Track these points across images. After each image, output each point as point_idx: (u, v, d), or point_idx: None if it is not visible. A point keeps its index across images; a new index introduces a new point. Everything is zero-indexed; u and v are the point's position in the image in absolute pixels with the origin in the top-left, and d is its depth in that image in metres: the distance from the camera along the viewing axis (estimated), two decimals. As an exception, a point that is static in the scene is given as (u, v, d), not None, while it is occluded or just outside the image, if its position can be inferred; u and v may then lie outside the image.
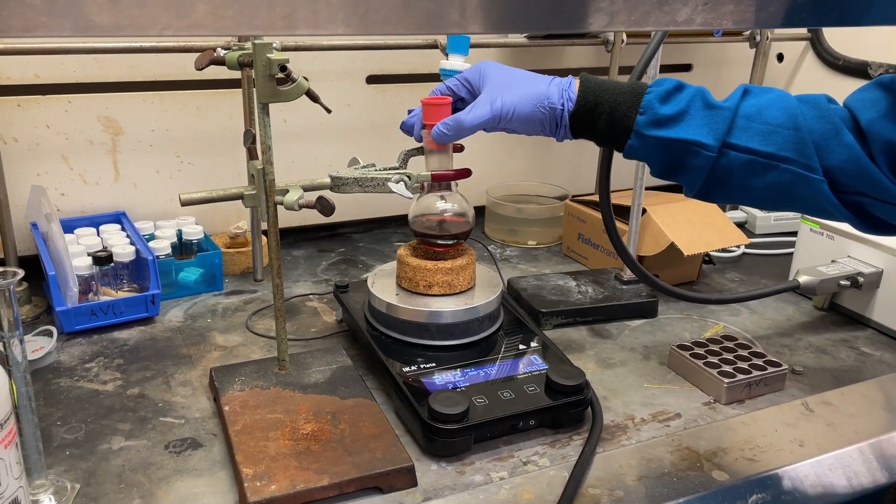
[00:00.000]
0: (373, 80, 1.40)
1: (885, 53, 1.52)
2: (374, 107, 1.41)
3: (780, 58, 1.75)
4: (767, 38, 1.59)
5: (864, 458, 0.85)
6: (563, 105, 0.77)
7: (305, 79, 0.79)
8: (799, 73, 1.72)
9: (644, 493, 0.76)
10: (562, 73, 0.82)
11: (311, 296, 1.23)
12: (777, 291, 1.16)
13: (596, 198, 1.31)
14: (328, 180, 0.88)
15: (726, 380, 0.93)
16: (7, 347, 0.66)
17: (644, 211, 1.20)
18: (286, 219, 1.28)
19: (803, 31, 1.66)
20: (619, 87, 0.75)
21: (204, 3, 0.34)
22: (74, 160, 1.22)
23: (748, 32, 1.58)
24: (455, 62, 1.14)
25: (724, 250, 1.42)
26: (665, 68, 1.53)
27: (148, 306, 1.10)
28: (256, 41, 0.77)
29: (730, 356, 0.99)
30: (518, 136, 0.83)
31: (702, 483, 0.78)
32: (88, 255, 1.09)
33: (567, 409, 0.86)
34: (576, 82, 0.78)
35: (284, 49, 1.19)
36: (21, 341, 0.67)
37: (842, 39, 1.61)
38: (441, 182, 0.91)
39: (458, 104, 0.86)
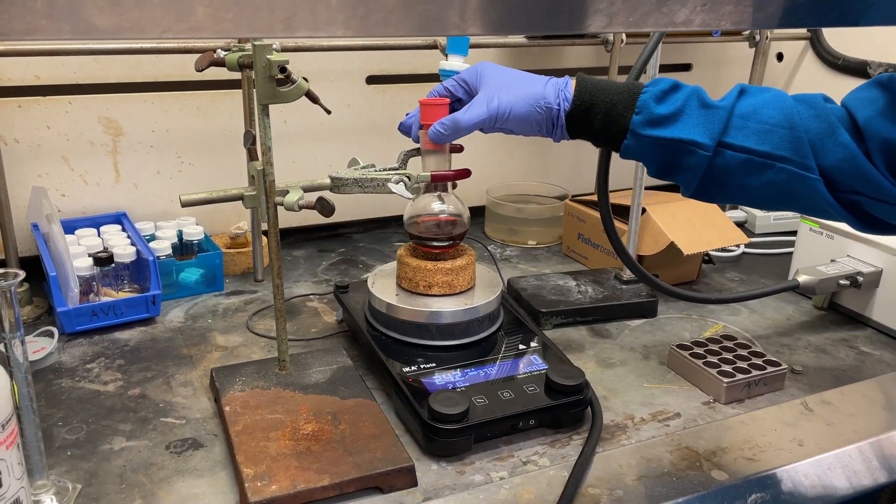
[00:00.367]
0: (372, 80, 1.40)
1: (884, 53, 1.52)
2: (374, 107, 1.41)
3: (780, 57, 1.75)
4: (767, 37, 1.59)
5: (864, 458, 0.85)
6: (559, 105, 0.77)
7: (305, 79, 0.80)
8: (798, 73, 1.72)
9: (644, 492, 0.76)
10: (561, 73, 0.82)
11: (311, 296, 1.23)
12: (777, 291, 1.16)
13: (596, 197, 1.31)
14: (328, 181, 0.88)
15: (726, 379, 0.93)
16: (8, 348, 0.67)
17: (644, 210, 1.20)
18: (286, 219, 1.28)
19: (803, 30, 1.66)
20: (615, 87, 0.75)
21: (204, 5, 0.34)
22: (75, 161, 1.22)
23: (748, 32, 1.58)
24: (455, 63, 1.14)
25: (723, 250, 1.42)
26: (664, 68, 1.53)
27: (149, 307, 1.10)
28: (256, 42, 0.77)
29: (729, 356, 0.99)
30: (518, 136, 0.83)
31: (701, 482, 0.78)
32: (89, 255, 1.09)
33: (567, 408, 0.87)
34: (572, 82, 0.78)
35: (284, 50, 1.19)
36: (22, 342, 0.67)
37: (841, 39, 1.61)
38: (439, 183, 0.92)
39: (456, 105, 0.86)
